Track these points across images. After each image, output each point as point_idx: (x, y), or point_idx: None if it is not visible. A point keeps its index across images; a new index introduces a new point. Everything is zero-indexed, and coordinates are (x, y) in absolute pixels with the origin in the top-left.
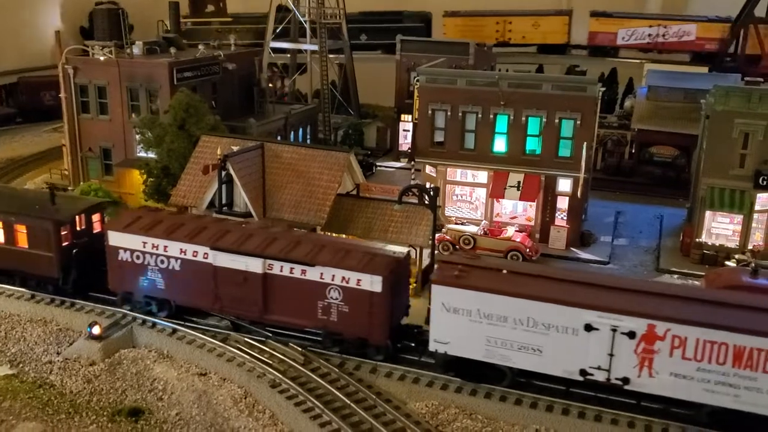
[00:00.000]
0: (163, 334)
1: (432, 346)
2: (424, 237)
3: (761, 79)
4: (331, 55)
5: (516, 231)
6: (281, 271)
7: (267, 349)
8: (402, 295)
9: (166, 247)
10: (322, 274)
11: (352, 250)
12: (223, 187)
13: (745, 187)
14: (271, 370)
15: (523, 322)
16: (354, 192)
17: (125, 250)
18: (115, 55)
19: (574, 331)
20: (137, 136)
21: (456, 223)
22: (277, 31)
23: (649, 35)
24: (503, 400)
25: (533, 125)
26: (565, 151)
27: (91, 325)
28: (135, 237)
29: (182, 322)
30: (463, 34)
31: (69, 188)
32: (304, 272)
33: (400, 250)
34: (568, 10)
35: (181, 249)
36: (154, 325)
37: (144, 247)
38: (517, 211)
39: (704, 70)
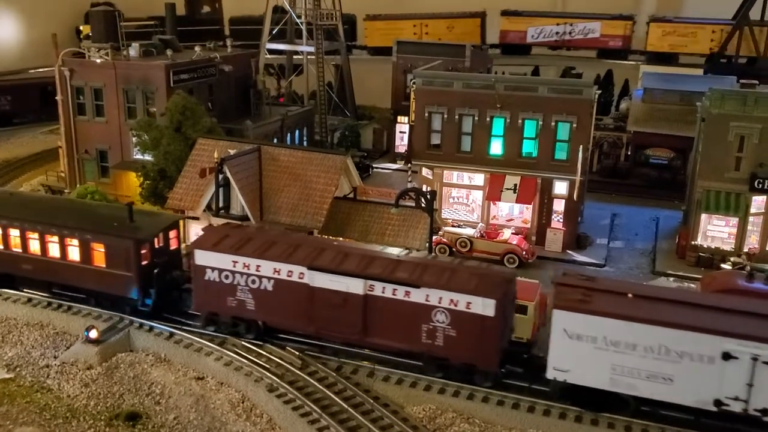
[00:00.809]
0: (161, 338)
1: (550, 374)
2: (421, 240)
3: (756, 82)
4: (327, 56)
5: (512, 234)
6: (383, 292)
7: (264, 353)
8: (510, 316)
9: (258, 266)
10: (428, 296)
11: (458, 270)
12: (220, 190)
13: (741, 189)
14: (268, 374)
15: (654, 350)
16: (351, 195)
17: (213, 269)
18: (111, 57)
19: (710, 360)
20: (134, 139)
21: (453, 226)
22: (274, 32)
23: (557, 33)
24: (500, 404)
25: (529, 128)
26: (561, 153)
27: (88, 329)
28: (225, 256)
29: (179, 326)
30: (383, 37)
31: (66, 191)
32: (408, 294)
33: (510, 270)
34: (482, 11)
35: (275, 269)
36: (151, 329)
37: (234, 266)
38: (513, 214)
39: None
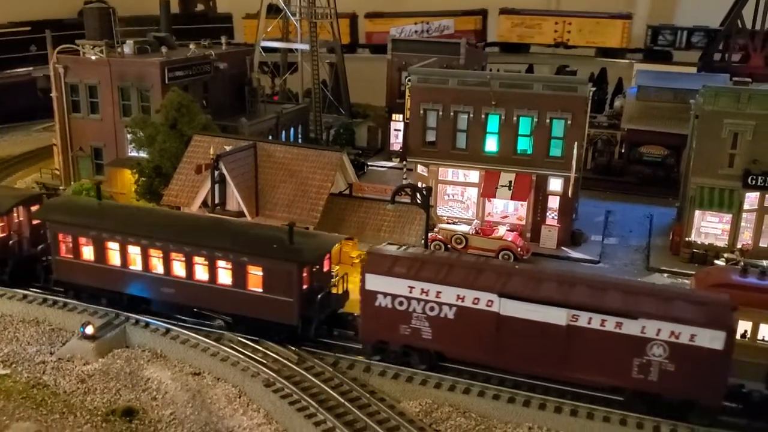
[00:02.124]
0: (157, 334)
1: None
2: (416, 236)
3: (749, 79)
4: (321, 54)
5: (507, 230)
6: (590, 323)
7: (261, 349)
8: None
9: (438, 292)
10: (644, 327)
11: (674, 296)
12: (216, 186)
13: (734, 186)
14: (265, 369)
15: None
16: (347, 191)
17: (386, 295)
18: (106, 54)
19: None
20: (129, 136)
21: (448, 223)
22: (268, 29)
23: (416, 32)
24: (496, 398)
25: (524, 125)
26: (556, 150)
27: (84, 325)
28: (400, 281)
29: (176, 322)
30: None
31: (61, 188)
32: (619, 325)
33: (724, 296)
34: (352, 13)
35: (458, 295)
36: (147, 325)
37: (410, 292)
38: (508, 211)
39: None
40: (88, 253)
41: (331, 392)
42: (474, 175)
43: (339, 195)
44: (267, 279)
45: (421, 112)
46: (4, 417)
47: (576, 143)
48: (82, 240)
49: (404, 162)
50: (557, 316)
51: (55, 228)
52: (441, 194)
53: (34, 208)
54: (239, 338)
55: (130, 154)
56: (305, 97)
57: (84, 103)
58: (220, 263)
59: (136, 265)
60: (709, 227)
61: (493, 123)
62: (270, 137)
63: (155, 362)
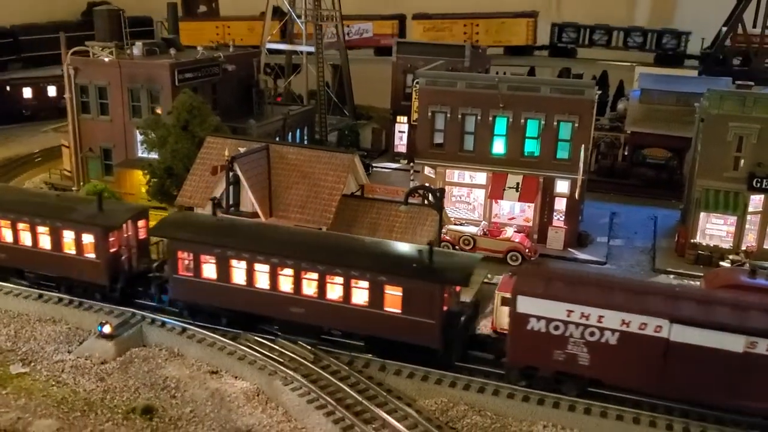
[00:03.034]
0: (173, 333)
1: None
2: (428, 237)
3: (752, 83)
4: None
5: (515, 232)
6: None
7: (277, 347)
8: None
9: (601, 317)
10: None
11: None
12: (230, 187)
13: (739, 189)
14: (282, 368)
15: None
16: (358, 193)
17: (539, 318)
18: (115, 55)
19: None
20: (140, 137)
21: (455, 224)
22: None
23: (365, 30)
24: (511, 397)
25: (532, 127)
26: (563, 153)
27: (101, 324)
28: (557, 304)
29: (191, 321)
30: (190, 38)
31: (73, 189)
32: None
33: None
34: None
35: (623, 320)
36: (163, 324)
37: (569, 316)
38: (514, 212)
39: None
40: (210, 271)
41: (349, 390)
42: (481, 177)
43: (351, 196)
44: (407, 300)
45: (429, 114)
46: (26, 414)
47: (583, 145)
48: (205, 258)
49: (412, 164)
50: (733, 342)
51: (175, 245)
52: (448, 196)
53: (140, 223)
54: (255, 337)
55: (139, 155)
56: (311, 99)
57: (94, 104)
58: (356, 283)
59: (264, 283)
60: (714, 229)
61: (501, 125)
62: (277, 138)
63: (173, 361)
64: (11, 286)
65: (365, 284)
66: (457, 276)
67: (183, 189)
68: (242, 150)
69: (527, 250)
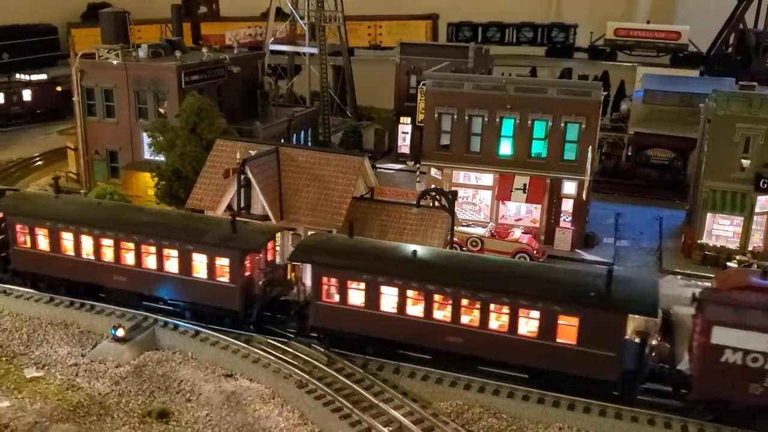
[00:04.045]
0: (186, 336)
1: None
2: (439, 239)
3: (755, 83)
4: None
5: (522, 233)
6: None
7: (290, 350)
8: None
9: None
10: None
11: None
12: (242, 190)
13: (746, 189)
14: (296, 370)
15: None
16: (368, 195)
17: (736, 350)
18: (121, 57)
19: None
20: (148, 140)
21: (462, 226)
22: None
23: (250, 35)
24: (526, 399)
25: (539, 129)
26: (570, 154)
27: (115, 328)
28: (759, 335)
29: (204, 324)
30: (88, 46)
31: (82, 191)
32: None
33: None
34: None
35: None
36: (176, 327)
37: None
38: (520, 213)
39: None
40: (356, 298)
41: (365, 393)
42: (486, 178)
43: (361, 199)
44: (584, 331)
45: (436, 115)
46: (43, 418)
47: (590, 146)
48: (351, 284)
49: (418, 165)
50: None
51: (318, 271)
52: None
53: (269, 244)
54: (269, 340)
55: (145, 157)
56: (314, 101)
57: (99, 106)
58: (525, 312)
59: (417, 311)
60: (721, 230)
61: (508, 127)
62: (282, 140)
63: (187, 364)
64: (22, 289)
65: (536, 314)
66: (643, 305)
67: (193, 192)
68: (253, 153)
69: (535, 252)
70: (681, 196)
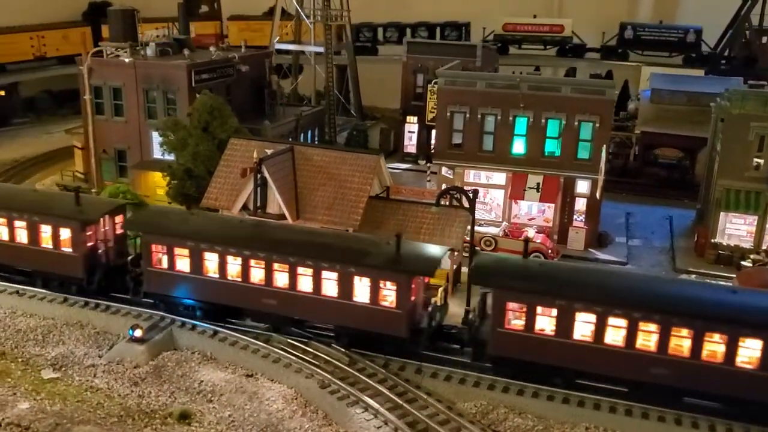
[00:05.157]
0: (205, 336)
1: None
2: (457, 238)
3: (765, 83)
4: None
5: (536, 232)
6: None
7: (310, 350)
8: None
9: None
10: None
11: None
12: (258, 189)
13: (760, 188)
14: (318, 370)
15: None
16: (384, 194)
17: None
18: (130, 55)
19: None
20: (159, 139)
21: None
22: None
23: (158, 36)
24: (551, 399)
25: (552, 127)
26: (583, 153)
27: (132, 328)
28: None
29: (223, 324)
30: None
31: (93, 191)
32: None
33: None
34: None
35: None
36: (194, 327)
37: None
38: (532, 213)
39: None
40: (548, 324)
41: (388, 393)
42: (498, 178)
43: (377, 198)
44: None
45: (448, 114)
46: (64, 420)
47: (604, 145)
48: (540, 310)
49: (428, 164)
50: None
51: (502, 295)
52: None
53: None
54: (288, 339)
55: (154, 156)
56: (322, 100)
57: (108, 105)
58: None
59: (616, 339)
60: (734, 229)
61: (521, 125)
62: (290, 139)
63: (206, 364)
64: (35, 290)
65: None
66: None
67: (208, 191)
68: (269, 152)
69: (550, 251)
70: (689, 195)
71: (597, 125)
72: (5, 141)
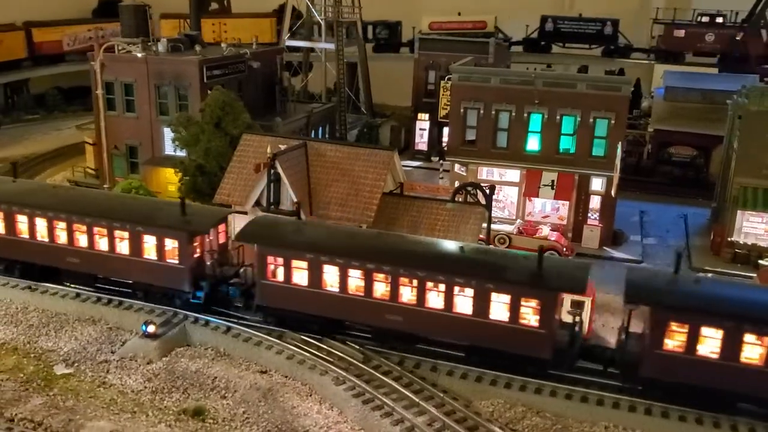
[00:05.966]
0: (218, 332)
1: None
2: (473, 235)
3: None
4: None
5: (550, 230)
6: None
7: (325, 347)
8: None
9: None
10: None
11: None
12: (271, 185)
13: None
14: (333, 367)
15: None
16: (397, 190)
17: None
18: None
19: None
20: (172, 135)
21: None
22: (293, 29)
23: (90, 38)
24: (569, 398)
25: (567, 124)
26: (599, 150)
27: (145, 324)
28: None
29: (236, 320)
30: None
31: (105, 186)
32: None
33: None
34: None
35: None
36: (207, 323)
37: None
38: (546, 210)
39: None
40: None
41: (404, 391)
42: (511, 175)
43: (391, 194)
44: None
45: (461, 110)
46: (77, 416)
47: (619, 142)
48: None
49: (441, 161)
50: None
51: (662, 314)
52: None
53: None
54: (302, 336)
55: (166, 152)
56: (333, 97)
57: (119, 100)
58: None
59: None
60: (751, 227)
61: (536, 122)
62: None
63: (220, 360)
64: (47, 285)
65: None
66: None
67: (221, 187)
68: (282, 147)
69: (564, 249)
70: (703, 193)
71: (612, 122)
72: (15, 137)
